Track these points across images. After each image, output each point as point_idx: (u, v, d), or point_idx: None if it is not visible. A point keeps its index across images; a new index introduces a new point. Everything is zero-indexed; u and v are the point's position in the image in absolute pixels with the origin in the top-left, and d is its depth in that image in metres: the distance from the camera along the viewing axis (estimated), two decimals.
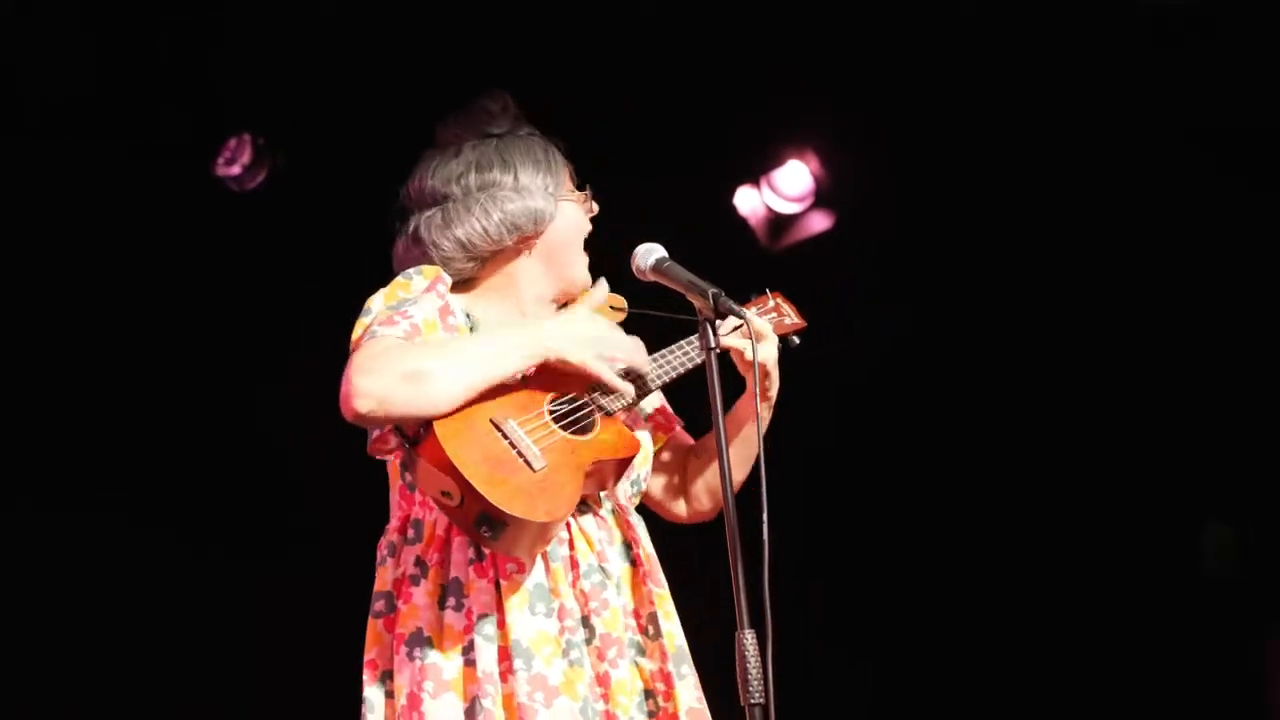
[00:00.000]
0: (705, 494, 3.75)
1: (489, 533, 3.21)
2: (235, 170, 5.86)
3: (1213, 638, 6.12)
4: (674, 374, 3.54)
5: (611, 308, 3.58)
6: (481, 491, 3.17)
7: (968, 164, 6.01)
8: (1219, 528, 6.25)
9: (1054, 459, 6.21)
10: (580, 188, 3.66)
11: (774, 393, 3.62)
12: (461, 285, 3.59)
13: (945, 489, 6.28)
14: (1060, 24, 5.69)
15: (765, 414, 3.59)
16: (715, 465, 3.57)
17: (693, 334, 3.48)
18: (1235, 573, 6.20)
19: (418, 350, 3.28)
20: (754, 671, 3.07)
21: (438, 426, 3.22)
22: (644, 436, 3.58)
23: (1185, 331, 6.05)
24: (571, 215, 3.60)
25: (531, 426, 3.30)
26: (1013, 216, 6.07)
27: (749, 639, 3.09)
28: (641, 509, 3.62)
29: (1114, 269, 6.07)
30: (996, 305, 6.17)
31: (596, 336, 3.42)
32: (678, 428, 3.75)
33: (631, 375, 3.47)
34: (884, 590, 6.30)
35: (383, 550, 3.42)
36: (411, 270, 3.49)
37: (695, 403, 3.48)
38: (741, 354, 3.54)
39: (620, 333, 3.52)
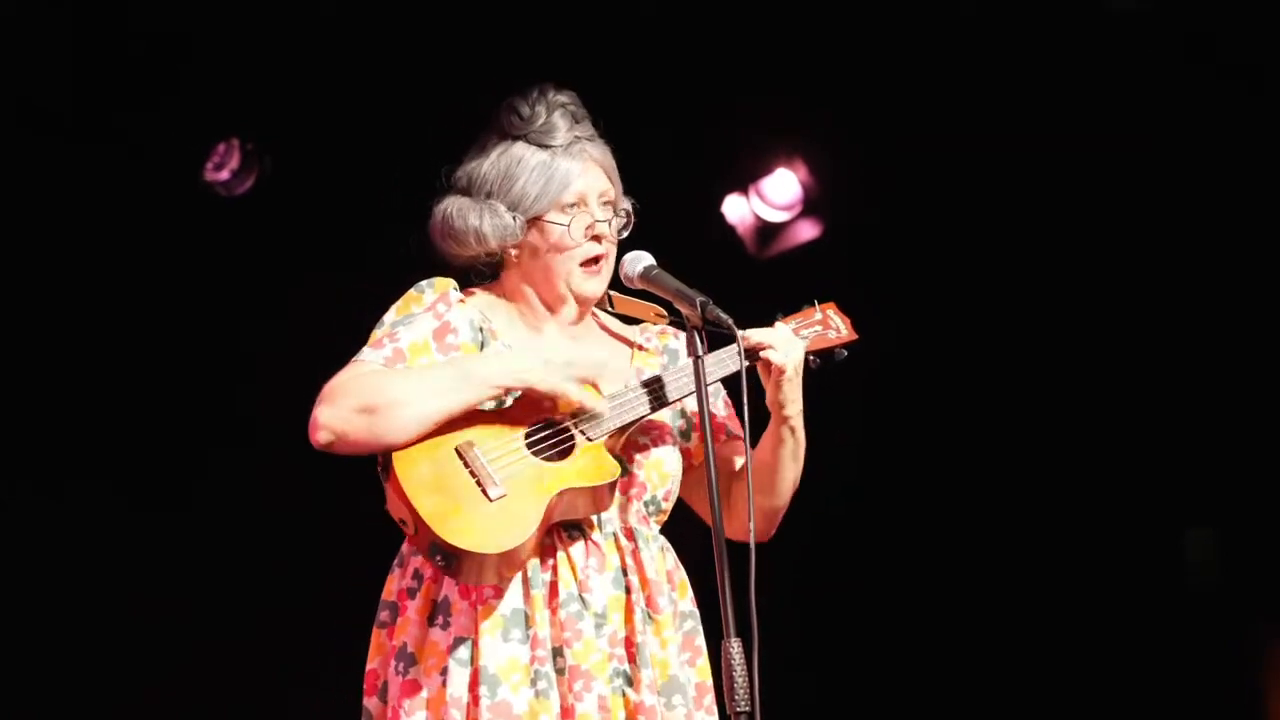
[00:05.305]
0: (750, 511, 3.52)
1: (443, 562, 3.25)
2: (224, 175, 5.86)
3: (1208, 647, 6.13)
4: (689, 390, 3.41)
5: (656, 315, 3.50)
6: (428, 523, 3.19)
7: (958, 172, 6.01)
8: (1200, 536, 6.25)
9: (1039, 469, 6.21)
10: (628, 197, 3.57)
11: (790, 409, 3.48)
12: (489, 284, 3.55)
13: (931, 498, 6.28)
14: (1056, 32, 5.70)
15: (784, 433, 3.50)
16: (758, 482, 3.47)
17: (727, 345, 3.39)
18: (1216, 581, 6.21)
19: (379, 380, 3.28)
20: (740, 680, 3.07)
21: (395, 457, 3.24)
22: (671, 454, 3.52)
23: (1170, 339, 6.06)
24: (552, 235, 3.47)
25: (499, 454, 3.28)
26: (1001, 226, 6.07)
27: (735, 648, 3.09)
28: (689, 525, 3.55)
29: (1099, 280, 6.08)
30: (983, 313, 6.17)
31: (570, 360, 3.37)
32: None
33: (636, 391, 3.40)
34: (870, 598, 6.29)
35: (396, 559, 3.44)
36: (424, 283, 3.47)
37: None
38: (766, 364, 3.44)
39: (605, 353, 3.50)
